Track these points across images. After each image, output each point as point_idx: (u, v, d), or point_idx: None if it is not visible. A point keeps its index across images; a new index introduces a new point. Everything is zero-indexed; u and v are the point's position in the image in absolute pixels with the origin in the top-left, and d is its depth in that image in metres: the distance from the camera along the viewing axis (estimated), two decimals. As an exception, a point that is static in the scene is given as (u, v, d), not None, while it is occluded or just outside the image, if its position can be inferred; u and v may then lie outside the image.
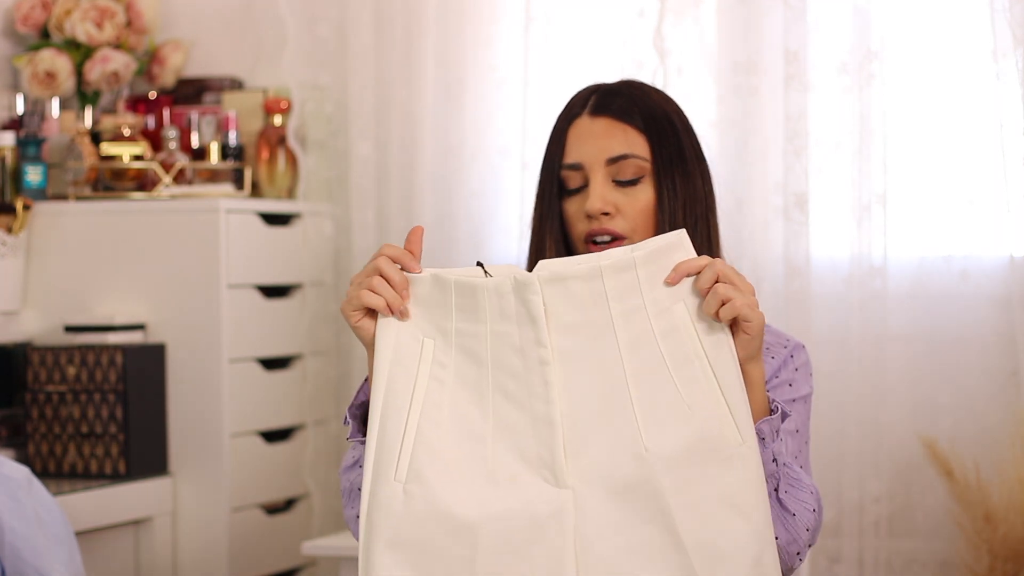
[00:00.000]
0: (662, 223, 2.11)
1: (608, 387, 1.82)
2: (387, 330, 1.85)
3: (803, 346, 2.16)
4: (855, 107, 3.40)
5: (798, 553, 1.99)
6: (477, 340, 1.84)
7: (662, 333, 1.82)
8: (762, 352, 1.92)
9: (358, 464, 1.99)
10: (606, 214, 2.10)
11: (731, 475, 1.80)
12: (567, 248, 2.16)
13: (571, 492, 1.80)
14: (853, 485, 3.39)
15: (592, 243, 2.12)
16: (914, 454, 3.40)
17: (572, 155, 2.14)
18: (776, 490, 1.96)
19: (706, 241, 2.14)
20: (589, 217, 2.11)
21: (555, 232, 2.15)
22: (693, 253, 1.86)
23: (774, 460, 1.93)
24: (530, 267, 2.16)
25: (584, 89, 2.20)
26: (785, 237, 3.42)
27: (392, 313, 1.85)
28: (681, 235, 1.86)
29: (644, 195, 2.12)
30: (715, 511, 1.79)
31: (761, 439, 1.90)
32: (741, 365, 1.85)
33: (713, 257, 2.11)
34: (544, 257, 2.15)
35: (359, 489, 1.98)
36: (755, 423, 1.88)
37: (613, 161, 2.12)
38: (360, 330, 1.87)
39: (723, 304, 1.82)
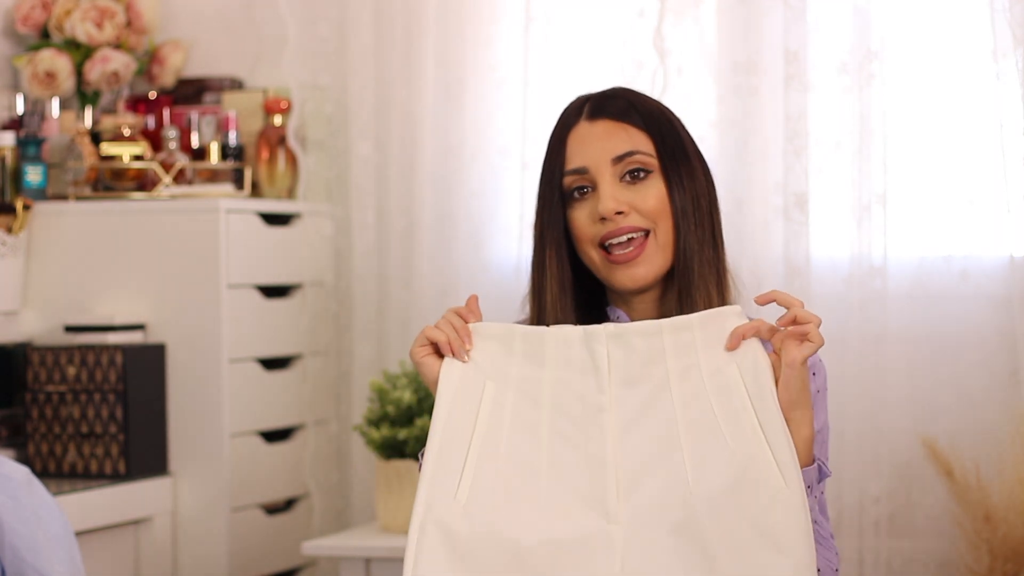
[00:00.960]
0: (676, 217, 2.09)
1: (661, 435, 1.91)
2: (451, 369, 1.97)
3: (821, 360, 2.13)
4: (855, 107, 3.40)
5: None
6: (538, 385, 1.95)
7: (715, 391, 1.92)
8: (810, 398, 1.96)
9: None
10: (620, 213, 2.08)
11: (773, 516, 1.86)
12: (571, 257, 2.13)
13: (621, 527, 1.88)
14: (853, 485, 3.39)
15: (605, 248, 2.09)
16: (914, 454, 3.40)
17: (575, 160, 2.10)
18: None
19: (711, 238, 2.11)
20: (603, 220, 2.08)
21: (557, 243, 2.12)
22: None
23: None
24: (536, 280, 2.15)
25: (575, 99, 2.16)
26: (785, 237, 3.42)
27: (453, 352, 1.97)
28: (737, 308, 1.96)
29: (655, 190, 2.09)
30: (756, 551, 1.85)
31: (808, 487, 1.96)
32: (790, 413, 1.92)
33: (718, 255, 2.10)
34: (545, 270, 2.13)
35: None
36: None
37: (619, 160, 2.09)
38: (424, 366, 1.99)
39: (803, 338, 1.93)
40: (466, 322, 1.99)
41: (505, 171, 3.66)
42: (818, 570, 1.99)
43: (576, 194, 2.11)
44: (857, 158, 3.40)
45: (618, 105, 2.12)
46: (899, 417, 3.41)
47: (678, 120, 2.16)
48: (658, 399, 1.92)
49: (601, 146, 2.10)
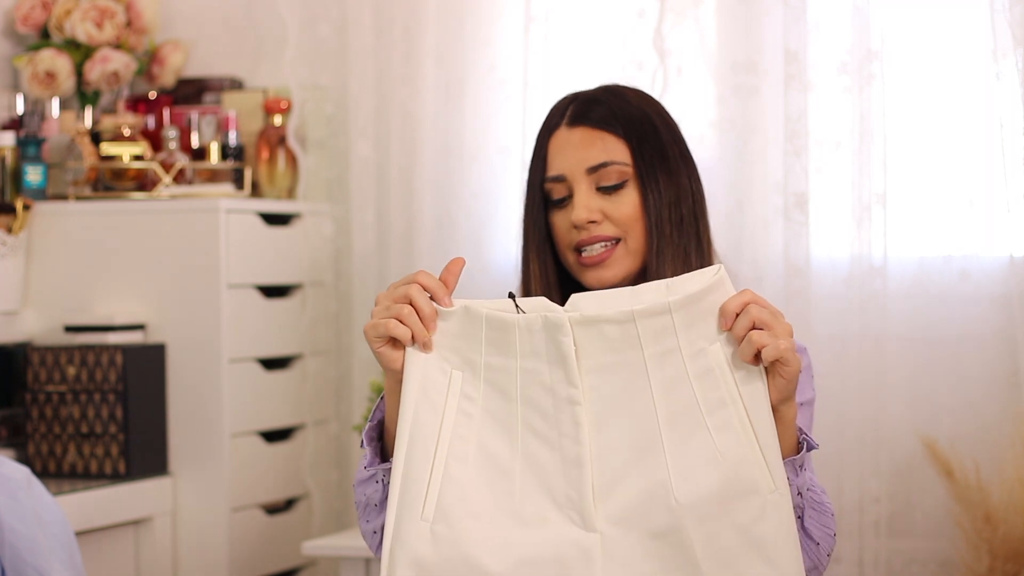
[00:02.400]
0: (649, 225, 2.13)
1: (640, 430, 1.80)
2: (414, 361, 1.83)
3: (805, 348, 2.14)
4: (855, 107, 3.40)
5: None
6: (507, 375, 1.82)
7: (696, 375, 1.80)
8: (795, 392, 1.88)
9: (374, 480, 1.96)
10: (593, 222, 2.12)
11: (762, 524, 1.78)
12: (554, 258, 2.17)
13: (599, 536, 1.78)
14: (853, 485, 3.39)
15: (581, 252, 2.13)
16: (914, 454, 3.40)
17: (554, 167, 2.16)
18: (801, 518, 1.94)
19: (695, 238, 2.14)
20: (576, 227, 2.13)
21: (539, 244, 2.17)
22: (733, 289, 1.82)
23: (799, 493, 1.91)
24: (523, 278, 2.18)
25: (563, 99, 2.21)
26: (785, 237, 3.42)
27: (415, 343, 1.83)
28: (720, 274, 1.82)
29: (629, 199, 2.13)
30: (744, 562, 1.77)
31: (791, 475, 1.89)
32: (775, 406, 1.82)
33: (704, 255, 2.12)
34: (529, 271, 2.18)
35: (375, 504, 1.98)
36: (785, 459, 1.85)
37: (594, 170, 2.13)
38: (382, 356, 1.84)
39: (759, 351, 1.79)
40: (436, 301, 1.83)
41: (505, 171, 3.67)
42: (816, 543, 1.97)
43: (555, 200, 2.16)
44: (857, 158, 3.40)
45: (599, 113, 2.16)
46: (899, 417, 3.41)
47: (663, 119, 2.18)
48: (634, 388, 1.80)
49: (577, 155, 2.14)
